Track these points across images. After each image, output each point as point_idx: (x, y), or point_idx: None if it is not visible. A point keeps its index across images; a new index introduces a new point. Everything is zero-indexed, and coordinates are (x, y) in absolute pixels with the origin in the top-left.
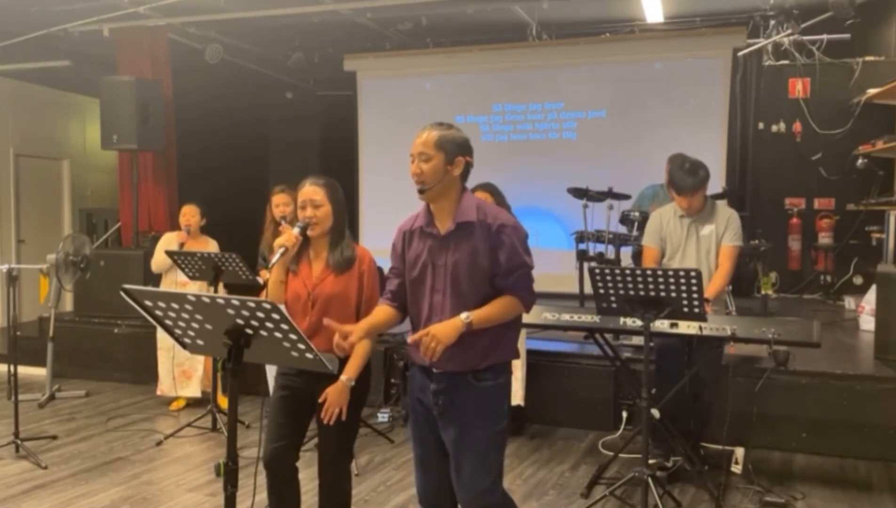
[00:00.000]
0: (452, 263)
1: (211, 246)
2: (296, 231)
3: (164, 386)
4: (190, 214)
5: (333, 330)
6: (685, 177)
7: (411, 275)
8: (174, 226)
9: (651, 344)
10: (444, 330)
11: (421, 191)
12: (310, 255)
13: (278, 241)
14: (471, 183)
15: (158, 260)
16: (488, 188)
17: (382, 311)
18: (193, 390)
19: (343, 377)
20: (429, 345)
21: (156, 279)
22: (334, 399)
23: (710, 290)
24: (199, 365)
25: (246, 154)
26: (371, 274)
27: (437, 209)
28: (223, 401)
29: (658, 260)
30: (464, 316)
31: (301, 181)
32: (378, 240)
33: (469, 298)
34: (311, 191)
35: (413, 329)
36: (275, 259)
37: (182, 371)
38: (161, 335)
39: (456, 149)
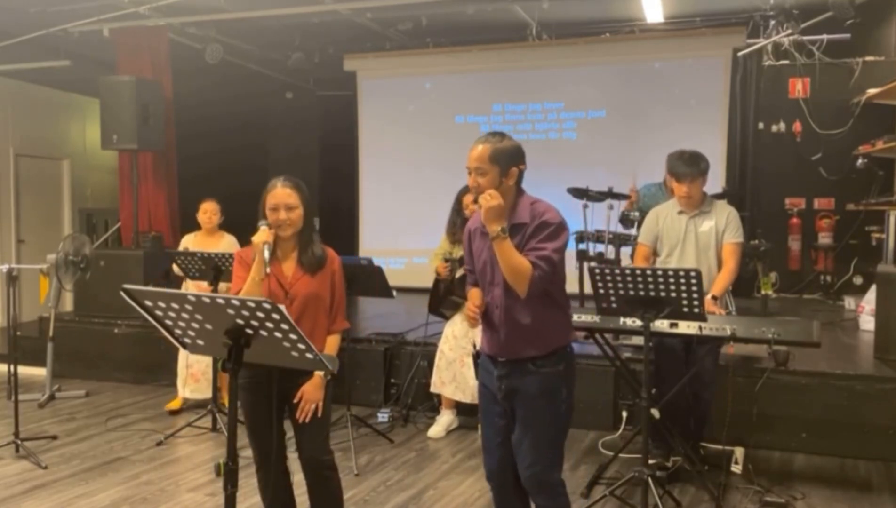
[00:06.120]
0: None
1: (226, 241)
2: (264, 226)
3: (178, 386)
4: (212, 211)
5: (315, 329)
6: (684, 165)
7: (477, 271)
8: (174, 225)
9: (651, 343)
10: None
11: None
12: (278, 256)
13: (259, 239)
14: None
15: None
16: None
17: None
18: (201, 391)
19: (318, 372)
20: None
21: (157, 280)
22: (311, 395)
23: (716, 288)
24: (207, 367)
25: (246, 154)
26: (340, 275)
27: None
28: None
29: (649, 257)
30: (500, 229)
31: (272, 181)
32: (378, 239)
33: None
34: (286, 194)
35: (482, 318)
36: (267, 255)
37: (191, 373)
38: None
39: (509, 161)
